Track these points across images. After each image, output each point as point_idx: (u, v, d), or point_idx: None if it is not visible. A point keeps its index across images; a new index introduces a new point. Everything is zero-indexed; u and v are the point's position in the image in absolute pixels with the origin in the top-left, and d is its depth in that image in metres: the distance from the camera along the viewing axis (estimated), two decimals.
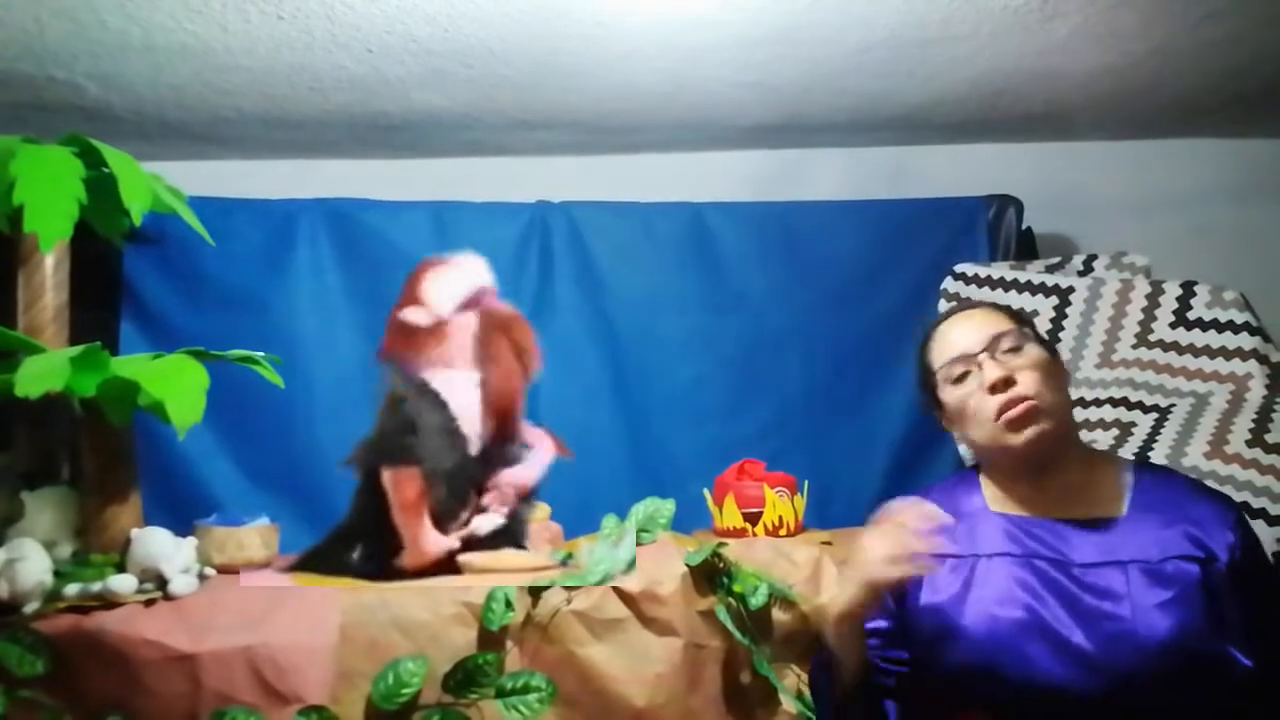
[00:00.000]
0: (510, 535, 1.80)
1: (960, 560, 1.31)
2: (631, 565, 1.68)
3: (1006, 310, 1.39)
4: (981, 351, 1.31)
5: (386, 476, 1.69)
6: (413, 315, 1.80)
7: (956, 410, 1.34)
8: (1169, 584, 1.21)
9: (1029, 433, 1.27)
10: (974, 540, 1.32)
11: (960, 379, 1.33)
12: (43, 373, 1.51)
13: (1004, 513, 1.33)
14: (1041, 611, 1.23)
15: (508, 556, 1.75)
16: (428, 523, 1.69)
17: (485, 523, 1.76)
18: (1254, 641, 1.21)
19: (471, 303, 1.86)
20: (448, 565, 1.71)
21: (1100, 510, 1.29)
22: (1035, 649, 1.21)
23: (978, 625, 1.25)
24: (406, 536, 1.68)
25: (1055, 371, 1.33)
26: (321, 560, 1.77)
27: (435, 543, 1.70)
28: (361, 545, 1.73)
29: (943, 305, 2.21)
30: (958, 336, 1.35)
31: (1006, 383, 1.28)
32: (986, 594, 1.27)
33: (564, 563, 1.75)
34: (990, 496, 1.36)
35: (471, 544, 1.74)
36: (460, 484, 1.75)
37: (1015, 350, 1.31)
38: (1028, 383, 1.28)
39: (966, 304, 1.42)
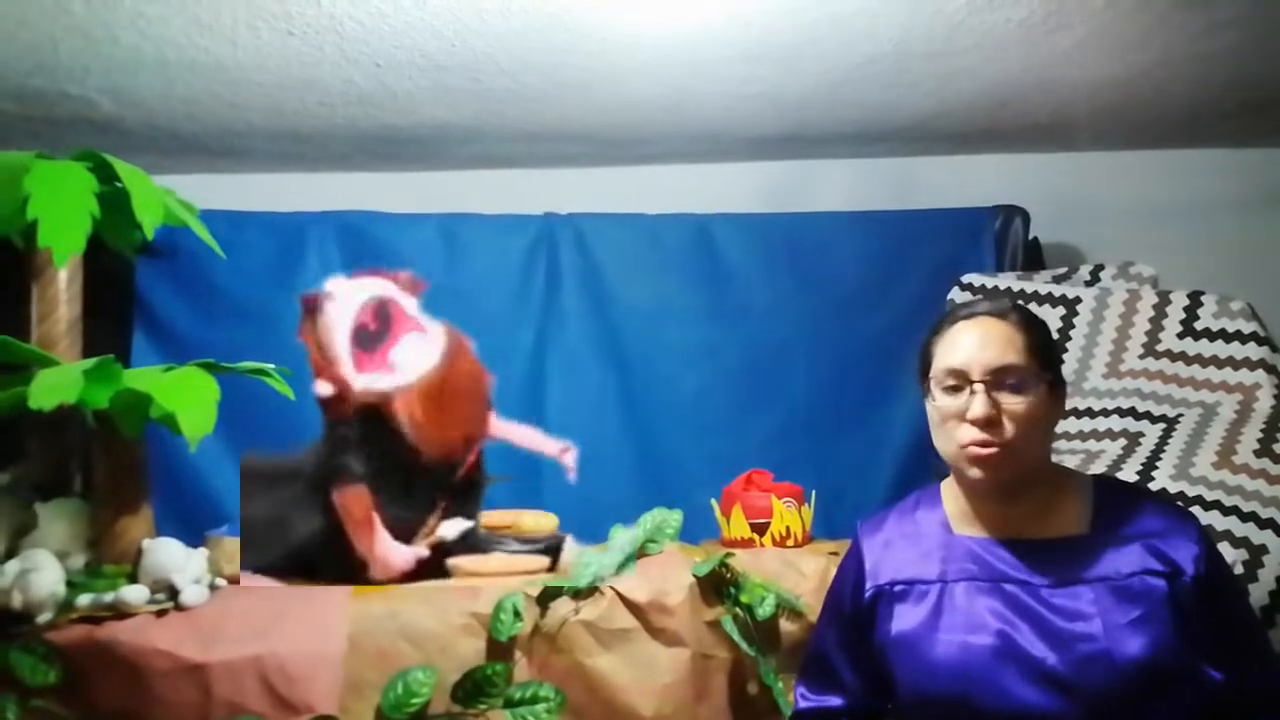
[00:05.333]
0: (479, 537, 1.81)
1: (928, 586, 1.29)
2: (623, 567, 1.68)
3: (1030, 334, 1.27)
4: (979, 381, 1.23)
5: (336, 498, 1.70)
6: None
7: (934, 415, 1.29)
8: (1137, 601, 1.20)
9: (984, 474, 1.24)
10: (940, 565, 1.30)
11: (950, 389, 1.26)
12: (56, 385, 1.52)
13: (968, 535, 1.31)
14: (1014, 637, 1.21)
15: (496, 558, 1.76)
16: (384, 536, 1.69)
17: (451, 528, 1.76)
18: (1222, 653, 1.21)
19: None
20: (435, 569, 1.72)
21: (1064, 530, 1.27)
22: (1009, 676, 1.20)
23: (950, 653, 1.23)
24: (366, 554, 1.69)
25: (1049, 415, 1.26)
26: (292, 572, 1.77)
27: (399, 554, 1.70)
28: (324, 564, 1.74)
29: None
30: (966, 347, 1.26)
31: (990, 422, 1.22)
32: (956, 621, 1.25)
33: (553, 565, 1.75)
34: (953, 515, 1.34)
35: (440, 550, 1.75)
36: (419, 492, 1.76)
37: (1016, 389, 1.23)
38: (1011, 429, 1.22)
39: (999, 306, 1.30)
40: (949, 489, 1.37)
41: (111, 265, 2.15)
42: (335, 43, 1.93)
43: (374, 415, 1.73)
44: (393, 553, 1.70)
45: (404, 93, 2.16)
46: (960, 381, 1.26)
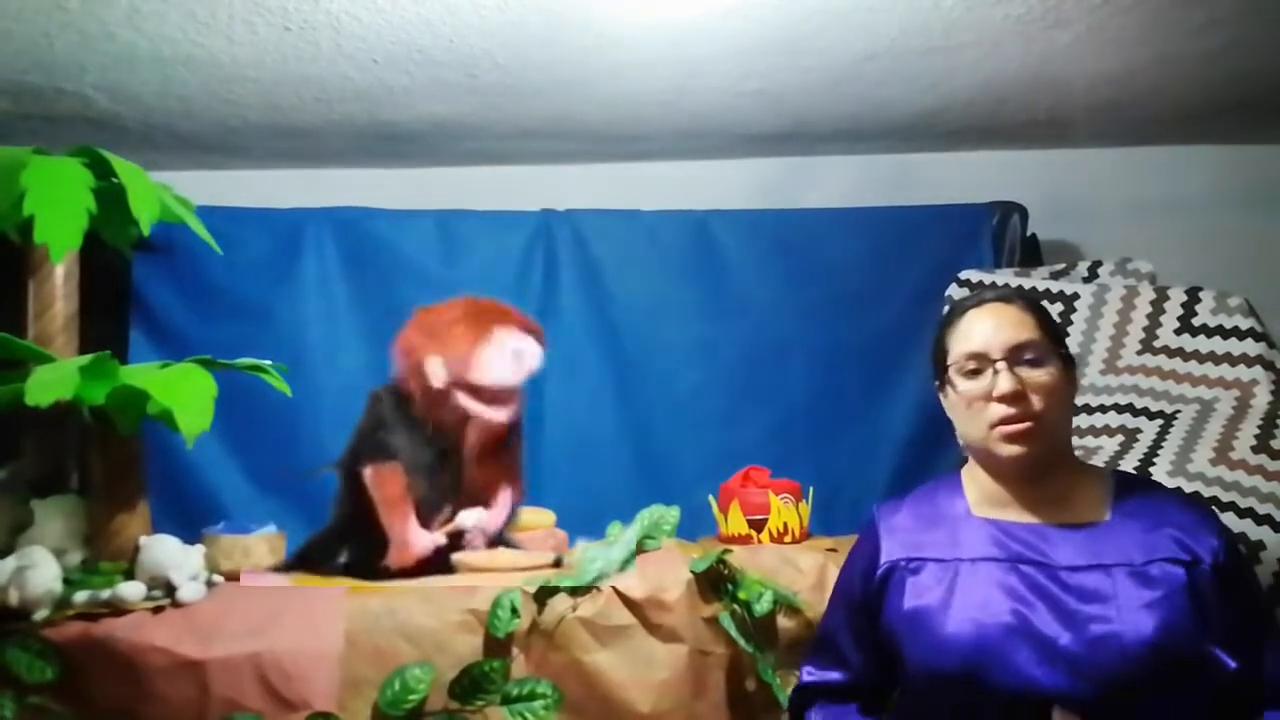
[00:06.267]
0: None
1: (943, 565, 1.30)
2: (626, 565, 1.68)
3: (1038, 314, 1.33)
4: (1000, 359, 1.27)
5: (368, 474, 1.70)
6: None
7: (958, 403, 1.32)
8: (1155, 586, 1.21)
9: (1020, 449, 1.26)
10: (957, 545, 1.31)
11: (972, 374, 1.30)
12: (52, 382, 1.52)
13: (988, 517, 1.32)
14: (1029, 615, 1.22)
15: (503, 555, 1.76)
16: (413, 518, 1.71)
17: (469, 517, 1.77)
18: (1237, 643, 1.21)
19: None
20: (441, 564, 1.73)
21: (1083, 516, 1.29)
22: (1022, 654, 1.20)
23: (962, 630, 1.24)
24: (392, 533, 1.69)
25: (1067, 390, 1.30)
26: (311, 563, 1.78)
27: (421, 539, 1.71)
28: (348, 547, 1.75)
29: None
30: (982, 331, 1.30)
31: (1017, 397, 1.26)
32: (971, 599, 1.26)
33: (558, 563, 1.76)
34: (974, 500, 1.35)
35: (456, 538, 1.75)
36: (441, 479, 1.76)
37: (1035, 364, 1.27)
38: (1037, 402, 1.26)
39: (1004, 292, 1.36)
40: (969, 474, 1.39)
41: (108, 261, 2.15)
42: (332, 39, 1.92)
43: (450, 427, 1.77)
44: (418, 536, 1.70)
45: (401, 89, 2.16)
46: (981, 364, 1.29)
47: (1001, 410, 1.26)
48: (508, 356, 1.78)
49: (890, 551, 1.36)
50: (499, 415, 1.80)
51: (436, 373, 1.74)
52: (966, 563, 1.29)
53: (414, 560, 1.70)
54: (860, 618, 1.39)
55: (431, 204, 2.49)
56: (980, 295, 1.36)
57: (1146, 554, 1.23)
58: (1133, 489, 1.32)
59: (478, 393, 1.77)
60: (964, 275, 2.26)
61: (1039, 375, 1.27)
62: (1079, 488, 1.32)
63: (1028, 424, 1.26)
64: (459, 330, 1.78)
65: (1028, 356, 1.27)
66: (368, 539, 1.71)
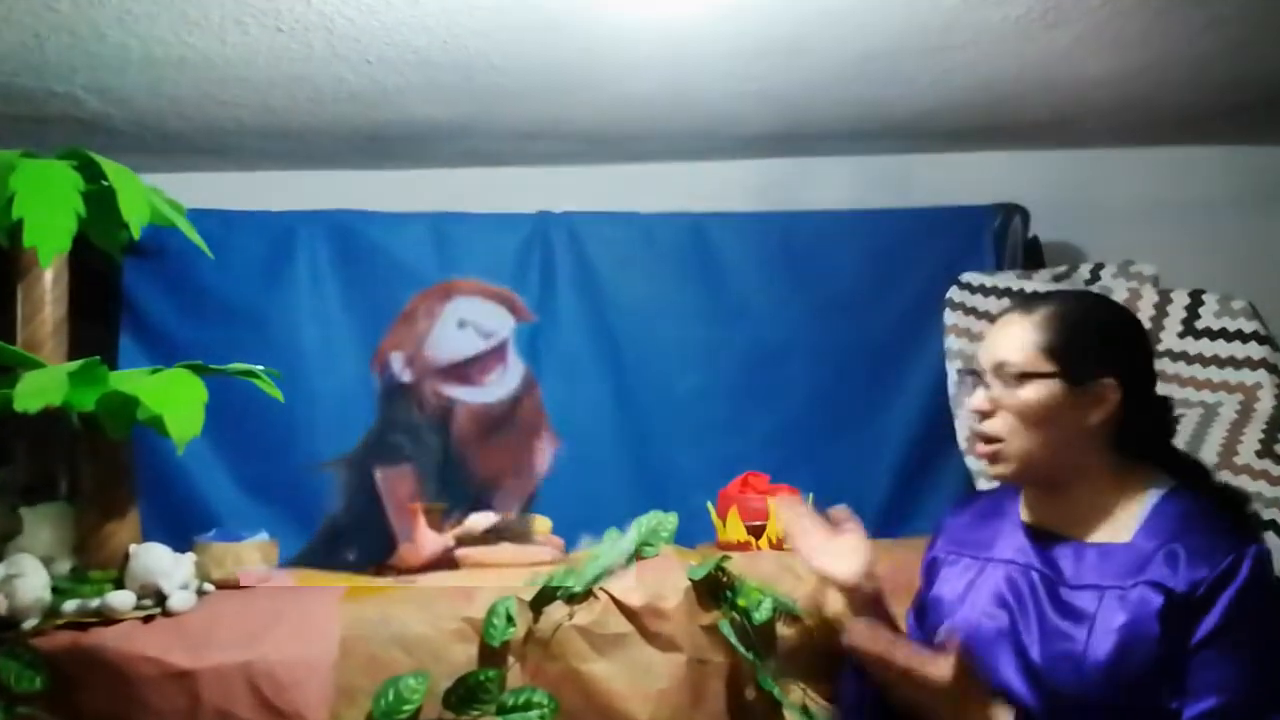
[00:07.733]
0: (508, 530, 1.81)
1: (974, 560, 1.36)
2: (630, 560, 1.68)
3: (1051, 330, 1.26)
4: (985, 373, 1.29)
5: (379, 477, 1.70)
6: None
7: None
8: (1129, 609, 1.18)
9: (991, 470, 1.31)
10: (994, 545, 1.35)
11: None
12: (41, 387, 1.51)
13: (1029, 523, 1.34)
14: (1019, 623, 1.25)
15: (505, 551, 1.75)
16: (422, 521, 1.71)
17: (480, 520, 1.76)
18: (1182, 685, 1.14)
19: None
20: (445, 561, 1.72)
21: (1107, 536, 1.26)
22: (1004, 657, 1.24)
23: (964, 625, 1.29)
24: (401, 535, 1.69)
25: (1061, 413, 1.24)
26: (318, 559, 1.78)
27: (430, 541, 1.71)
28: (356, 544, 1.74)
29: (948, 315, 2.21)
30: (988, 342, 1.31)
31: (984, 415, 1.28)
32: (982, 596, 1.31)
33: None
34: (1023, 503, 1.37)
35: (466, 541, 1.75)
36: (449, 477, 1.76)
37: (1014, 383, 1.25)
38: (1002, 424, 1.26)
39: (1029, 302, 1.32)
40: None
41: (98, 265, 2.13)
42: (325, 39, 1.91)
43: (436, 417, 1.74)
44: (426, 539, 1.71)
45: (395, 90, 2.14)
46: (976, 376, 1.32)
47: (977, 426, 1.30)
48: (453, 327, 1.77)
49: (939, 545, 1.44)
50: (483, 396, 1.79)
51: (398, 367, 1.75)
52: (992, 562, 1.33)
53: (421, 563, 1.70)
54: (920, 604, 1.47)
55: (426, 206, 2.46)
56: (1013, 303, 1.36)
57: (1134, 577, 1.20)
58: (1172, 510, 1.24)
59: (446, 375, 1.76)
60: (965, 278, 2.25)
61: (1016, 395, 1.25)
62: (1107, 505, 1.27)
63: (992, 447, 1.28)
64: (413, 317, 1.79)
65: (1006, 375, 1.27)
66: (377, 536, 1.71)
